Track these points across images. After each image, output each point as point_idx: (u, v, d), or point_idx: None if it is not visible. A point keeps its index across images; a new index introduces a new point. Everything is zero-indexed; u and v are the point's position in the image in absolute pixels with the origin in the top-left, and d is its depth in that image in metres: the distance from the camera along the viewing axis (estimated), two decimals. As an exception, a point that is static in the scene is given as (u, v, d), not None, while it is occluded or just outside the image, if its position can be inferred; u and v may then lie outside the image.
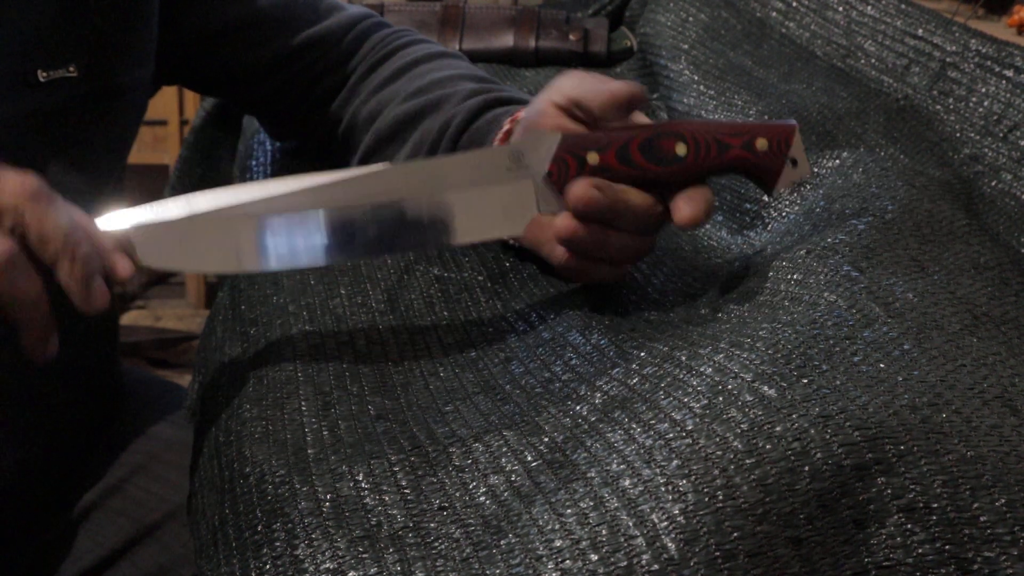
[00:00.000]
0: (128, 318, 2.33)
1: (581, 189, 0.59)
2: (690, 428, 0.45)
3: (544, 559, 0.42)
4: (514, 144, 0.60)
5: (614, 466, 0.45)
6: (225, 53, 0.85)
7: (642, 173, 0.60)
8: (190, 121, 1.86)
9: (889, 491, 0.43)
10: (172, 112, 2.31)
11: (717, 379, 0.48)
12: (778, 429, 0.44)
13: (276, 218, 0.58)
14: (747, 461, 0.43)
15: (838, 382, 0.47)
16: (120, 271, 0.56)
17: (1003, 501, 0.43)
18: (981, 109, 0.87)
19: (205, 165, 1.26)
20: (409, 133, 0.80)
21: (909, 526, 0.43)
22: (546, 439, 0.49)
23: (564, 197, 0.60)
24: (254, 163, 0.93)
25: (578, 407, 0.51)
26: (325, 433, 0.53)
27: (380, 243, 0.60)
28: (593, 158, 0.60)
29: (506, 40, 1.23)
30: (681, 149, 0.59)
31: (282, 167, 0.91)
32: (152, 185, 2.41)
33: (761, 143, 0.60)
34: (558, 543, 0.43)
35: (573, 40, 1.22)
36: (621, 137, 0.60)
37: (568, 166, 0.60)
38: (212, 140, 1.25)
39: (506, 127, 0.71)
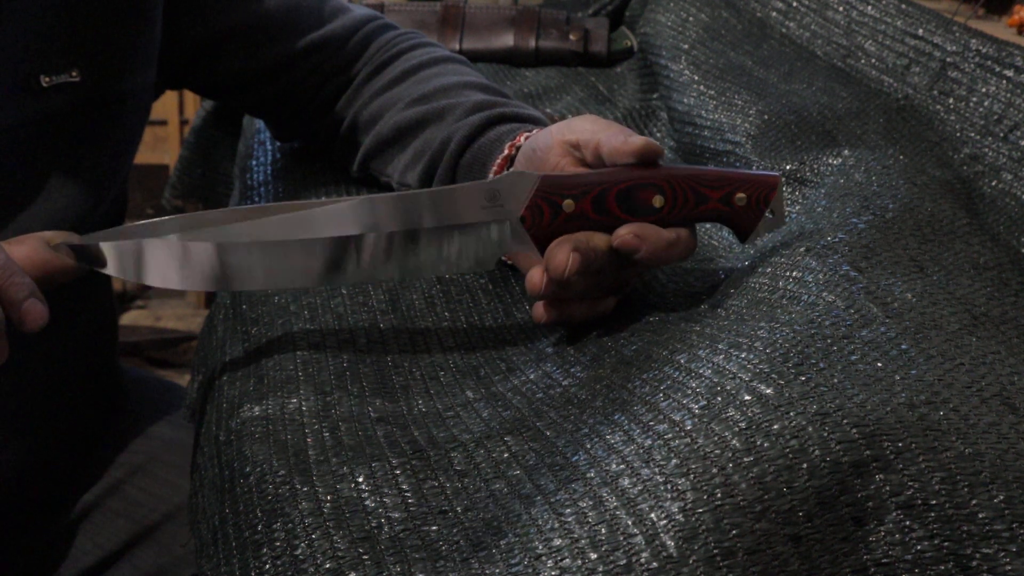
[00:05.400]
0: (128, 318, 2.33)
1: (563, 256, 0.58)
2: (689, 428, 0.45)
3: (543, 558, 0.42)
4: (491, 182, 0.60)
5: (613, 466, 0.45)
6: (229, 58, 0.85)
7: (616, 223, 0.59)
8: (190, 121, 1.86)
9: (887, 488, 0.43)
10: (172, 112, 2.31)
11: (715, 380, 0.48)
12: (776, 427, 0.44)
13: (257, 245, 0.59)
14: (745, 459, 0.43)
15: (836, 380, 0.47)
16: (29, 323, 0.55)
17: (1001, 498, 0.43)
18: (981, 109, 0.87)
19: (205, 165, 1.26)
20: (410, 140, 0.80)
21: (908, 523, 0.43)
22: (547, 443, 0.49)
23: (546, 260, 0.59)
24: (254, 163, 0.93)
25: (578, 411, 0.51)
26: (326, 434, 0.53)
27: (356, 272, 0.60)
28: (569, 205, 0.59)
29: (506, 40, 1.23)
30: (658, 201, 0.59)
31: (282, 167, 0.91)
32: (152, 185, 2.41)
33: (740, 197, 0.60)
34: (557, 542, 0.43)
35: (573, 40, 1.22)
36: (599, 185, 0.60)
37: (543, 212, 0.59)
38: (212, 140, 1.25)
39: (506, 151, 0.71)
